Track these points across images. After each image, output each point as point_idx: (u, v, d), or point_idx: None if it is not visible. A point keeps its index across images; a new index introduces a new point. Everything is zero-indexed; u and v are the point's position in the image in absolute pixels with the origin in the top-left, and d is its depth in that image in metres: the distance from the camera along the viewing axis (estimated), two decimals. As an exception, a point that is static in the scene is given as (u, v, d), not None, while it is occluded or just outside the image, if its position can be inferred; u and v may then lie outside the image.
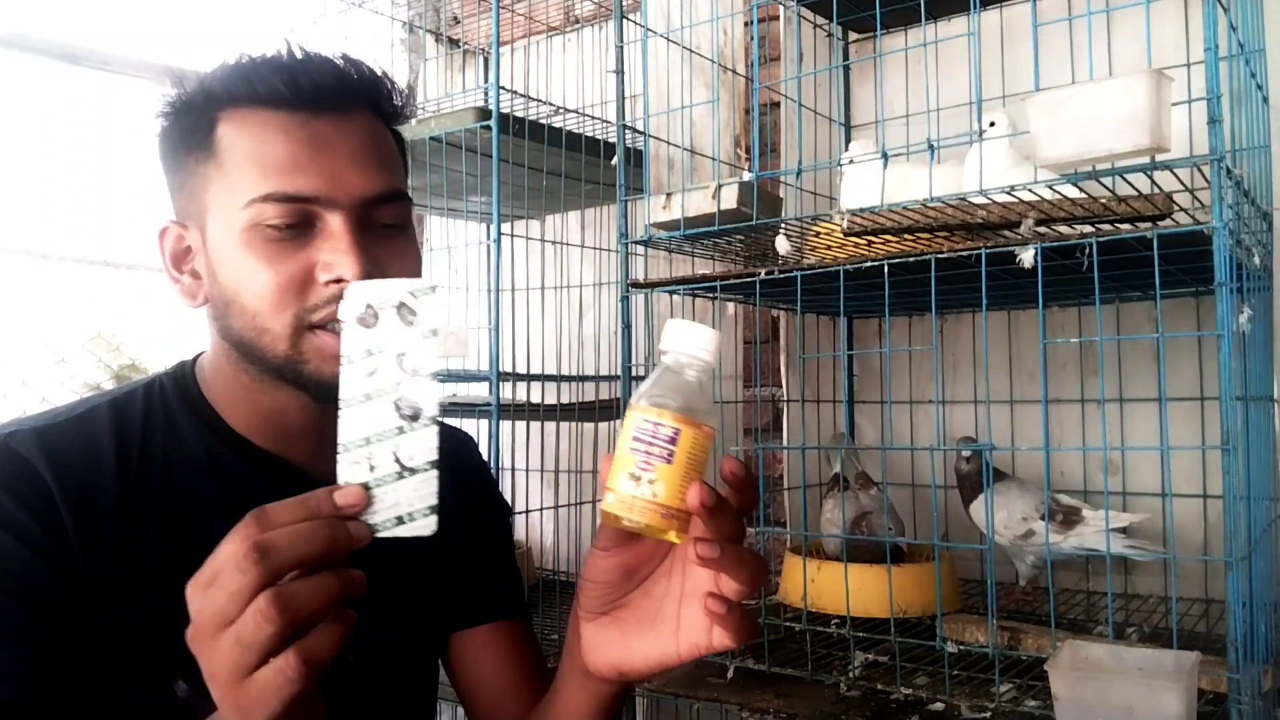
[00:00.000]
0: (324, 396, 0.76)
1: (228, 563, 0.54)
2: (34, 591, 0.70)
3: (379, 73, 0.82)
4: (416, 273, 0.81)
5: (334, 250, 0.74)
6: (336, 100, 0.77)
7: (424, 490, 0.59)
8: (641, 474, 0.57)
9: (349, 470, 0.59)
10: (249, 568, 0.53)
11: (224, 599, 0.54)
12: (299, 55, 0.77)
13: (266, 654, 0.54)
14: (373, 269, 0.74)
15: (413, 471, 0.59)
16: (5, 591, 0.69)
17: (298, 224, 0.74)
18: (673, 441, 0.57)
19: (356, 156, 0.76)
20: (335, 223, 0.74)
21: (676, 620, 0.66)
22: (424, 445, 0.60)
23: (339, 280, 0.73)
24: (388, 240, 0.78)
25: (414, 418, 0.60)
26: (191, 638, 0.56)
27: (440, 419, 0.61)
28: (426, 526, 0.59)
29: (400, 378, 0.60)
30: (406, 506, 0.59)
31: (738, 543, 0.61)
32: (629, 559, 0.66)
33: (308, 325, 0.75)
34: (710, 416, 0.60)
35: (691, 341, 0.60)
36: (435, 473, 0.60)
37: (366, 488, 0.59)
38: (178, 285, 0.82)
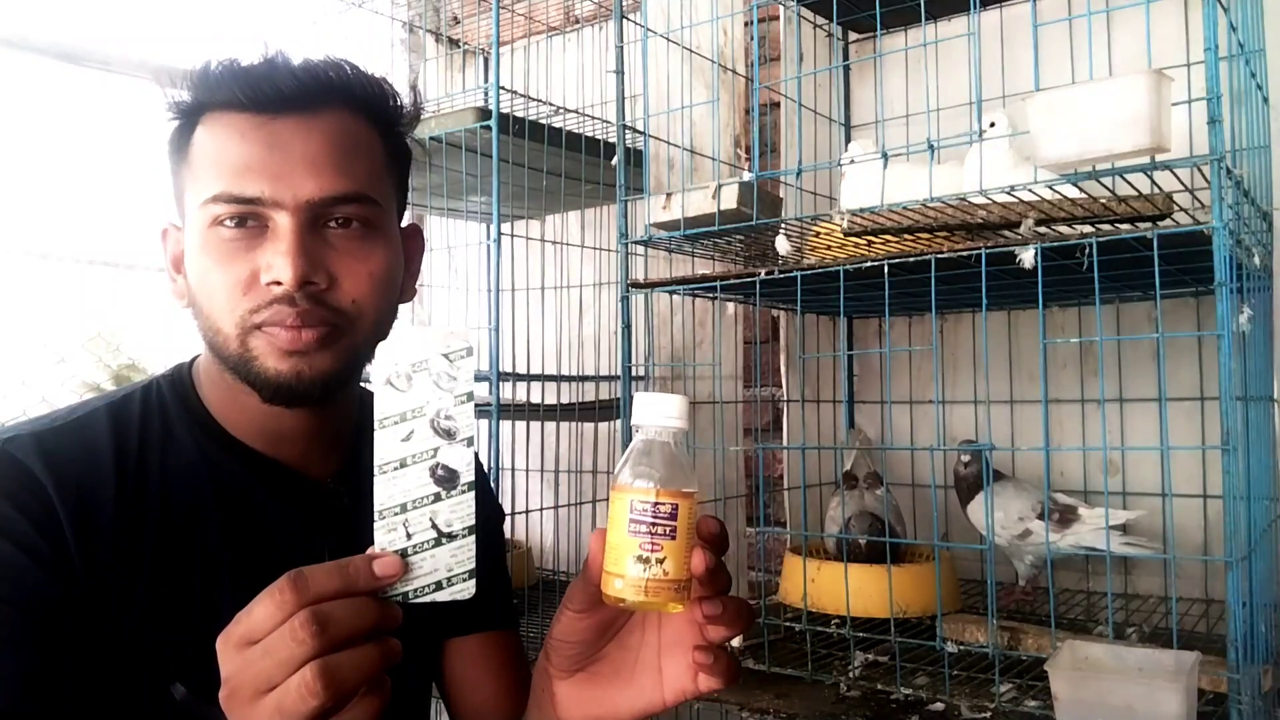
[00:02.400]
0: (272, 396, 0.76)
1: (280, 631, 0.53)
2: (33, 598, 0.70)
3: (367, 73, 0.81)
4: (378, 275, 0.79)
5: (275, 252, 0.74)
6: (301, 101, 0.76)
7: (462, 555, 0.59)
8: (650, 555, 0.57)
9: (386, 537, 0.58)
10: (306, 640, 0.53)
11: (271, 666, 0.53)
12: (267, 58, 0.77)
13: None
14: (315, 271, 0.74)
15: (451, 538, 0.59)
16: (4, 599, 0.69)
17: (250, 223, 0.75)
18: (673, 517, 0.58)
19: (313, 158, 0.75)
20: (282, 224, 0.74)
21: (658, 670, 0.67)
22: (461, 511, 0.59)
23: (277, 282, 0.73)
24: (345, 241, 0.77)
25: (450, 483, 0.59)
26: (227, 696, 0.55)
27: (474, 484, 0.60)
28: (465, 591, 0.59)
29: (437, 443, 0.59)
30: (445, 572, 0.59)
31: (727, 593, 0.63)
32: (604, 617, 0.67)
33: (253, 326, 0.75)
34: (694, 479, 0.60)
35: (664, 412, 0.60)
36: (473, 538, 0.59)
37: (404, 554, 0.58)
38: (173, 285, 0.83)
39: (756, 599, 1.41)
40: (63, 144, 1.81)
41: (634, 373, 1.50)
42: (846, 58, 1.84)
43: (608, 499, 0.61)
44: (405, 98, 0.85)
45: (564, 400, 1.86)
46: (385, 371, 0.59)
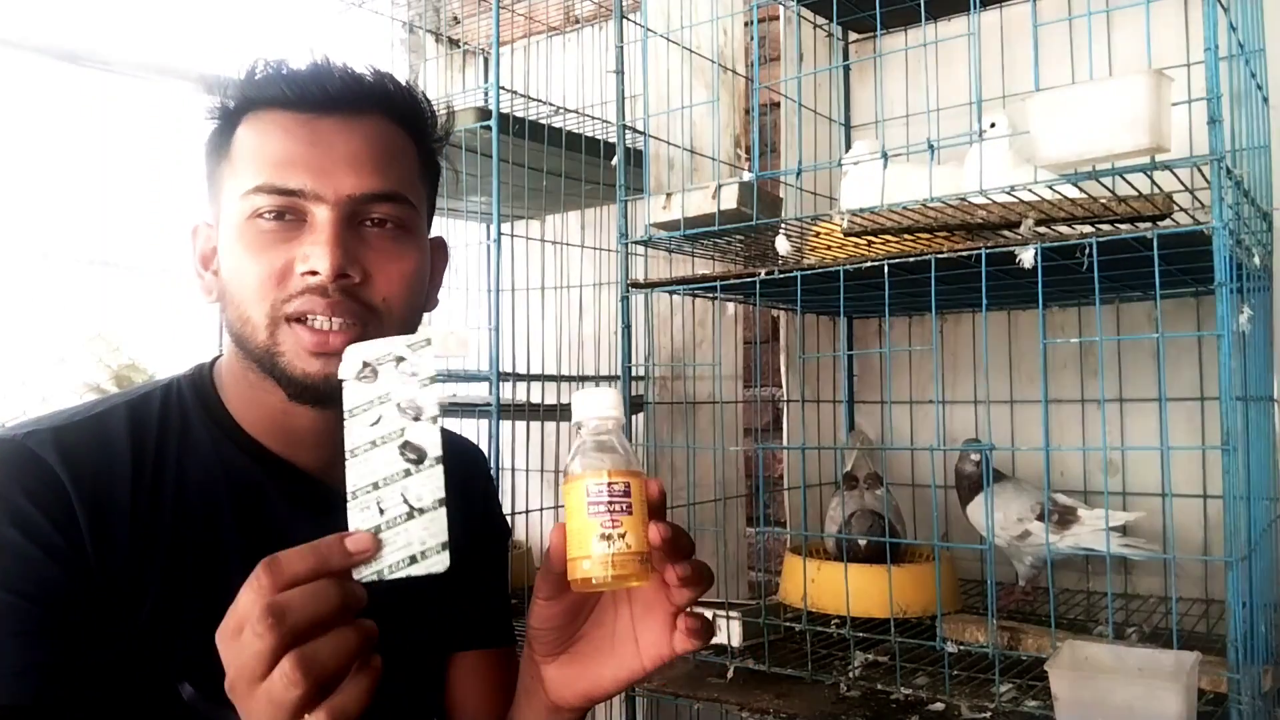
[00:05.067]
0: (297, 394, 0.77)
1: (247, 621, 0.56)
2: (49, 593, 0.70)
3: (406, 85, 0.83)
4: (410, 275, 0.80)
5: (314, 243, 0.75)
6: (345, 103, 0.78)
7: (434, 528, 0.61)
8: (611, 531, 0.62)
9: (359, 516, 0.61)
10: (265, 632, 0.55)
11: (249, 657, 0.55)
12: (314, 60, 0.79)
13: (300, 711, 0.55)
14: (350, 265, 0.75)
15: (421, 511, 0.61)
16: (20, 593, 0.69)
17: (288, 217, 0.76)
18: (626, 494, 0.63)
19: (354, 155, 0.77)
20: (321, 217, 0.75)
21: (634, 640, 0.71)
22: (431, 485, 0.61)
23: (313, 272, 0.74)
24: (380, 240, 0.78)
25: (419, 460, 0.62)
26: (230, 689, 0.57)
27: (442, 459, 0.62)
28: (439, 563, 0.61)
29: (404, 423, 0.62)
30: (419, 545, 0.61)
31: (690, 557, 0.67)
32: (573, 601, 0.71)
33: (284, 316, 0.76)
34: (637, 462, 0.66)
35: (603, 405, 0.66)
36: (444, 510, 0.61)
37: (378, 531, 0.60)
38: (200, 282, 0.84)
39: (756, 599, 1.41)
40: (63, 144, 1.81)
41: (634, 373, 1.50)
42: (846, 58, 1.84)
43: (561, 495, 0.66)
44: (440, 116, 0.87)
45: (564, 400, 1.86)
46: (352, 369, 0.64)
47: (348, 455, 0.62)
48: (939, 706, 1.16)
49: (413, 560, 0.61)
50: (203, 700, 0.73)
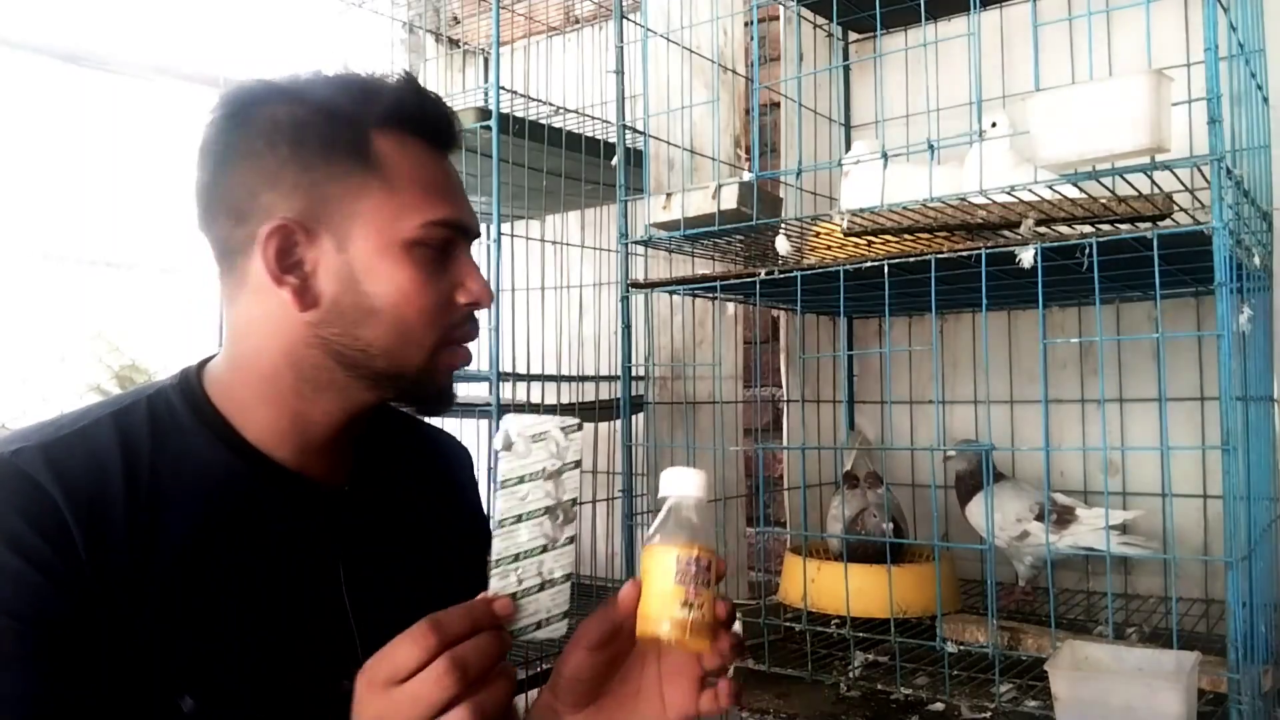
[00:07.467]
0: (432, 405, 0.85)
1: (424, 678, 0.62)
2: (47, 616, 0.69)
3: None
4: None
5: (472, 278, 0.82)
6: (453, 140, 0.85)
7: (560, 599, 0.69)
8: (693, 601, 0.68)
9: (499, 583, 0.68)
10: (451, 685, 0.61)
11: (421, 710, 0.62)
12: (428, 92, 0.84)
13: None
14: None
15: (552, 584, 0.69)
16: (18, 617, 0.68)
17: (446, 248, 0.82)
18: (709, 569, 0.69)
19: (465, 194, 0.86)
20: (468, 252, 0.84)
21: (659, 697, 0.75)
22: (563, 561, 0.69)
23: (476, 303, 0.82)
24: None
25: (556, 537, 0.69)
26: None
27: (574, 538, 0.70)
28: (559, 630, 0.69)
29: (548, 502, 0.69)
30: (545, 613, 0.69)
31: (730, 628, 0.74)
32: (614, 653, 0.74)
33: (448, 341, 0.82)
34: (714, 539, 0.73)
35: (690, 483, 0.72)
36: (569, 584, 0.70)
37: (514, 597, 0.68)
38: (286, 288, 0.77)
39: (756, 599, 1.41)
40: (64, 144, 1.81)
41: (634, 373, 1.50)
42: (846, 58, 1.84)
43: (643, 554, 0.71)
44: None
45: (564, 400, 1.86)
46: (510, 439, 0.69)
47: (494, 524, 0.68)
48: (939, 706, 1.16)
49: (538, 626, 0.69)
50: (203, 713, 0.73)
